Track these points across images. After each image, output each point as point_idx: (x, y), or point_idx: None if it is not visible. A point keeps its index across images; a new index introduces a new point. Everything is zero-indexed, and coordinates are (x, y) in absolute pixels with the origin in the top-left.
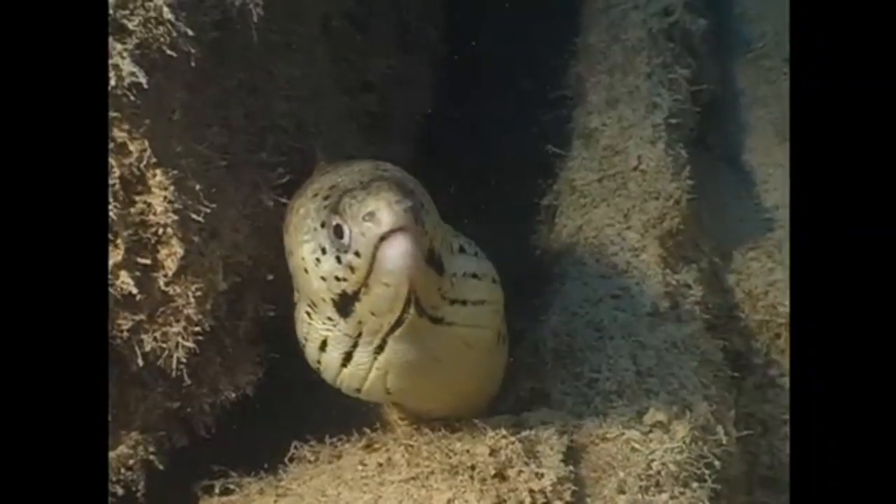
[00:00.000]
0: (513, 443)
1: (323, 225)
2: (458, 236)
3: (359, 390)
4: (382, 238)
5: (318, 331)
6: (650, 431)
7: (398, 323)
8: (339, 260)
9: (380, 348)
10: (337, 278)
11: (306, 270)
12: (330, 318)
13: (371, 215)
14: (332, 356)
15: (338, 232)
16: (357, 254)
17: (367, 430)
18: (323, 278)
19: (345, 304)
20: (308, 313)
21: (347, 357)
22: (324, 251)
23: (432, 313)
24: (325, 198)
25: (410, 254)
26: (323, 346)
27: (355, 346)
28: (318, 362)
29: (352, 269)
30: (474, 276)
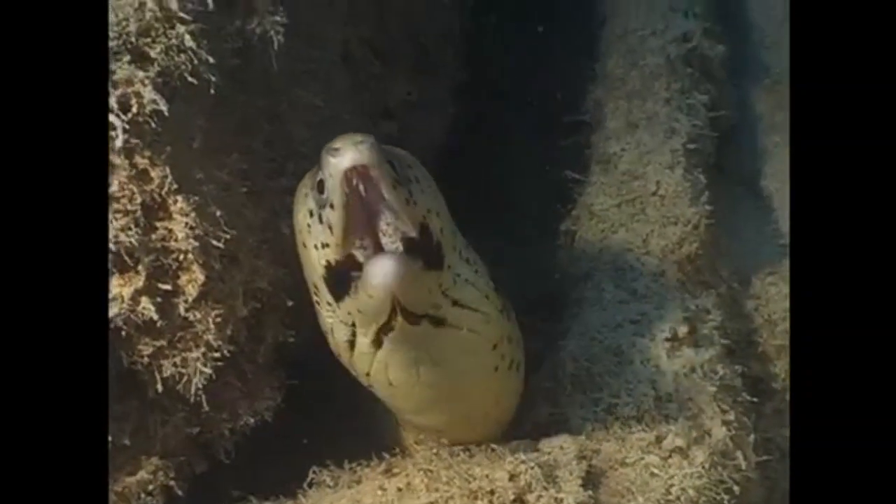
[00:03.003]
0: (532, 468)
1: (312, 187)
2: (469, 248)
3: (368, 374)
4: (347, 176)
5: (325, 318)
6: (669, 457)
7: (388, 328)
8: (321, 219)
9: (377, 343)
10: (322, 245)
11: (305, 245)
12: (329, 304)
13: (335, 150)
14: (341, 341)
15: (320, 187)
16: (332, 206)
17: (387, 455)
18: (316, 247)
19: (334, 283)
20: (317, 301)
21: (352, 343)
22: (311, 214)
23: (434, 313)
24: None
25: (396, 272)
26: (332, 331)
27: (354, 334)
28: (336, 346)
29: (330, 228)
30: (473, 286)
